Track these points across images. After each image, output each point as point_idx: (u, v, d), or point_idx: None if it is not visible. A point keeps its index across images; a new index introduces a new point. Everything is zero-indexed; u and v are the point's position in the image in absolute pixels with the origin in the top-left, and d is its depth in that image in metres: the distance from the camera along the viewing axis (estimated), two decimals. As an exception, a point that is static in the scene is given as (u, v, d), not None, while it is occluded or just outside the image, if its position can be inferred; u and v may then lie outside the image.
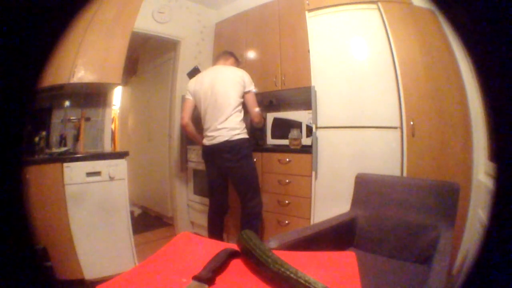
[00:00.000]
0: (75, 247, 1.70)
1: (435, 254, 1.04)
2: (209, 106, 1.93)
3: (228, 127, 1.87)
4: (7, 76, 0.38)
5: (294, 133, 2.16)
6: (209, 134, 1.94)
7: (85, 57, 1.96)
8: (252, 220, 1.95)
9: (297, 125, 2.20)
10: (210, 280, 0.53)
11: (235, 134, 1.87)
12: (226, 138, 1.87)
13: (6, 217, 0.40)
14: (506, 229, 0.36)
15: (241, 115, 1.93)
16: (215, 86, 1.93)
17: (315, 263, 0.63)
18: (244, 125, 1.93)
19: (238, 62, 2.15)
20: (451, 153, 1.67)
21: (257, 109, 1.98)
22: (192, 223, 2.80)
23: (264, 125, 2.40)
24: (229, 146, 1.87)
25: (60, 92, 2.10)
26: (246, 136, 1.92)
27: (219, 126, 1.89)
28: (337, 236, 1.40)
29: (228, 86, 1.91)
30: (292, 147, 2.15)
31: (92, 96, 2.29)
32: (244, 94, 1.93)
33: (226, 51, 2.18)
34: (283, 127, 2.29)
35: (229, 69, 2.00)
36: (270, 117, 2.40)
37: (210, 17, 2.97)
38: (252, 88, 1.95)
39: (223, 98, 1.89)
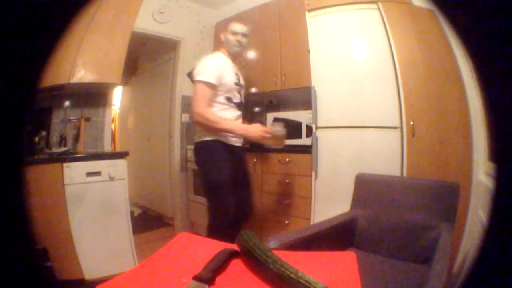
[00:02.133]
0: (75, 247, 1.70)
1: (435, 254, 1.03)
2: None
3: (196, 129, 1.69)
4: (7, 76, 0.38)
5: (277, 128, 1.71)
6: None
7: (85, 57, 1.96)
8: (209, 230, 1.67)
9: (297, 125, 2.20)
10: (210, 280, 0.53)
11: (198, 136, 1.66)
12: (194, 141, 1.70)
13: (6, 217, 0.40)
14: (506, 229, 0.36)
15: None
16: None
17: (315, 263, 0.63)
18: None
19: (224, 35, 1.74)
20: (451, 153, 1.67)
21: (195, 107, 1.52)
22: (192, 223, 2.80)
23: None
24: (194, 149, 1.71)
25: (60, 92, 2.10)
26: (207, 138, 1.60)
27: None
28: (337, 236, 1.40)
29: None
30: (273, 146, 1.85)
31: (92, 96, 2.29)
32: None
33: None
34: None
35: None
36: (270, 117, 2.40)
37: (210, 17, 2.97)
38: (197, 78, 1.52)
39: None
